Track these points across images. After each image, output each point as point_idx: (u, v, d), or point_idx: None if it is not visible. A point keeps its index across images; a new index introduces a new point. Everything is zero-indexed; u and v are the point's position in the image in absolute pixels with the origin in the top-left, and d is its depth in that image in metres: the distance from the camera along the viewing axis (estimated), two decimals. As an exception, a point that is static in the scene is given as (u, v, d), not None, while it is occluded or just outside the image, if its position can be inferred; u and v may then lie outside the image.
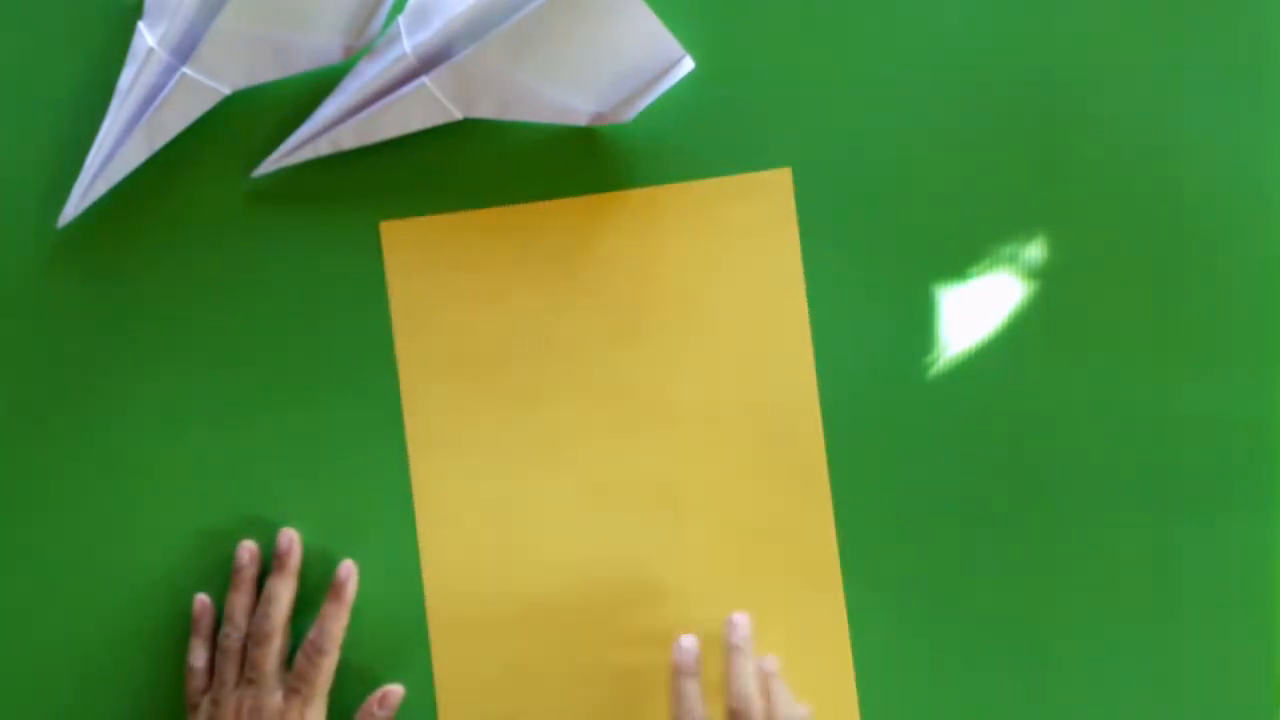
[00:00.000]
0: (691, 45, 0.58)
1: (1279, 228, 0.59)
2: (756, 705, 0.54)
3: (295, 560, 0.58)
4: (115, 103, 0.58)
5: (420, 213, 0.60)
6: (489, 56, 0.56)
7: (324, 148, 0.59)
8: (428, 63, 0.57)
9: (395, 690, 0.58)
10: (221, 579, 0.58)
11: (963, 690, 0.59)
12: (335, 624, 0.57)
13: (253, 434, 0.60)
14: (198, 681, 0.58)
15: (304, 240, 0.60)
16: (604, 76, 0.57)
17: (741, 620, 0.56)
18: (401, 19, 0.58)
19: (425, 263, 0.59)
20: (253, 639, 0.56)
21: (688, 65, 0.58)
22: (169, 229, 0.60)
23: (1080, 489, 0.59)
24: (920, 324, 0.59)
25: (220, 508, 0.60)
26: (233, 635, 0.57)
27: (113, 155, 0.58)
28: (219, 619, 0.59)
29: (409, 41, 0.57)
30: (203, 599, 0.59)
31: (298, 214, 0.60)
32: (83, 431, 0.60)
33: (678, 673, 0.55)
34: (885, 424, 0.59)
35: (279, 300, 0.60)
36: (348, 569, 0.58)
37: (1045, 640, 0.59)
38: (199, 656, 0.58)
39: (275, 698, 0.56)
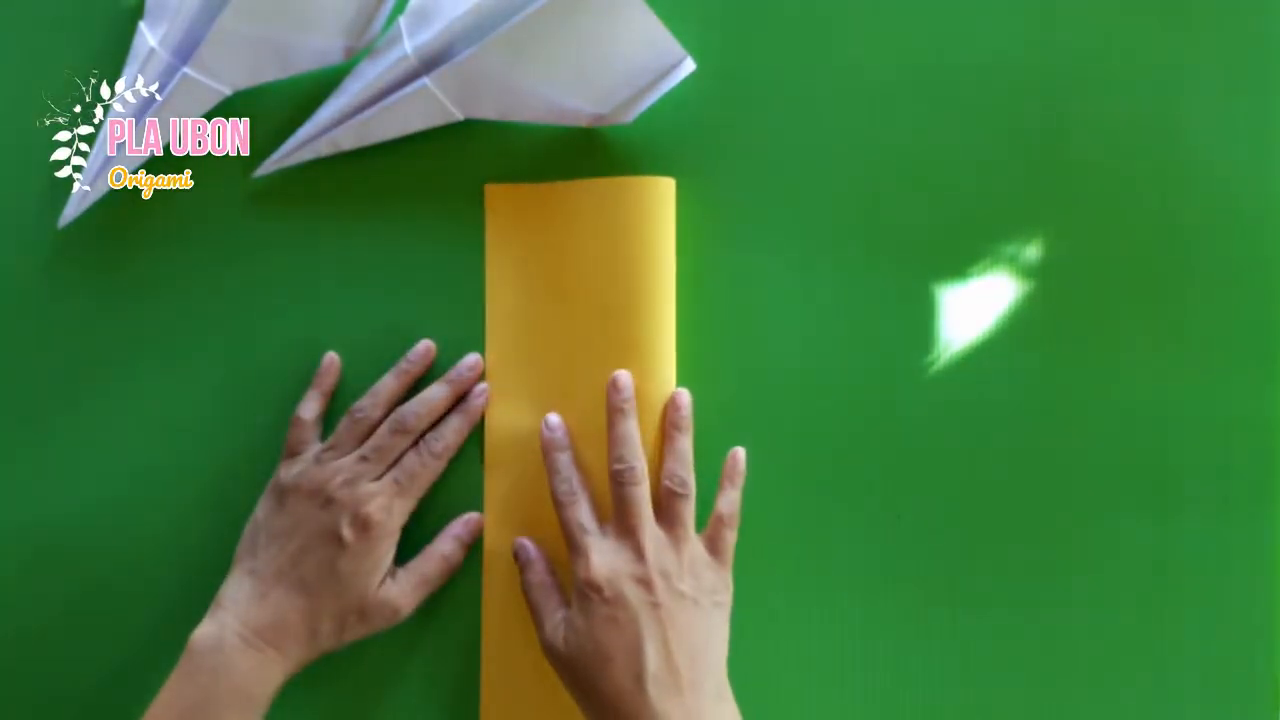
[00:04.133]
0: (692, 46, 0.58)
1: (1279, 228, 0.60)
2: (691, 485, 0.56)
3: (466, 383, 0.59)
4: (116, 103, 0.58)
5: (423, 214, 0.60)
6: (490, 57, 0.56)
7: (324, 148, 0.59)
8: (429, 63, 0.57)
9: (476, 516, 0.59)
10: (223, 572, 0.57)
11: (961, 688, 0.59)
12: (456, 435, 0.58)
13: (253, 434, 0.60)
14: (302, 433, 0.58)
15: (305, 241, 0.60)
16: (605, 78, 0.57)
17: (685, 400, 0.58)
18: (402, 20, 0.58)
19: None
20: (392, 426, 0.57)
21: (689, 66, 0.58)
22: (169, 229, 0.60)
23: (1080, 489, 0.59)
24: (920, 324, 0.60)
25: (220, 508, 0.60)
26: (368, 409, 0.58)
27: (114, 155, 0.58)
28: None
29: (410, 42, 0.57)
30: (333, 356, 0.60)
31: (298, 214, 0.60)
32: (83, 431, 0.60)
33: (550, 448, 0.57)
34: (885, 423, 0.59)
35: (279, 300, 0.60)
36: (480, 390, 0.59)
37: (1045, 639, 0.59)
38: (310, 409, 0.59)
39: (374, 484, 0.56)
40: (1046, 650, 0.59)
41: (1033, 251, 0.60)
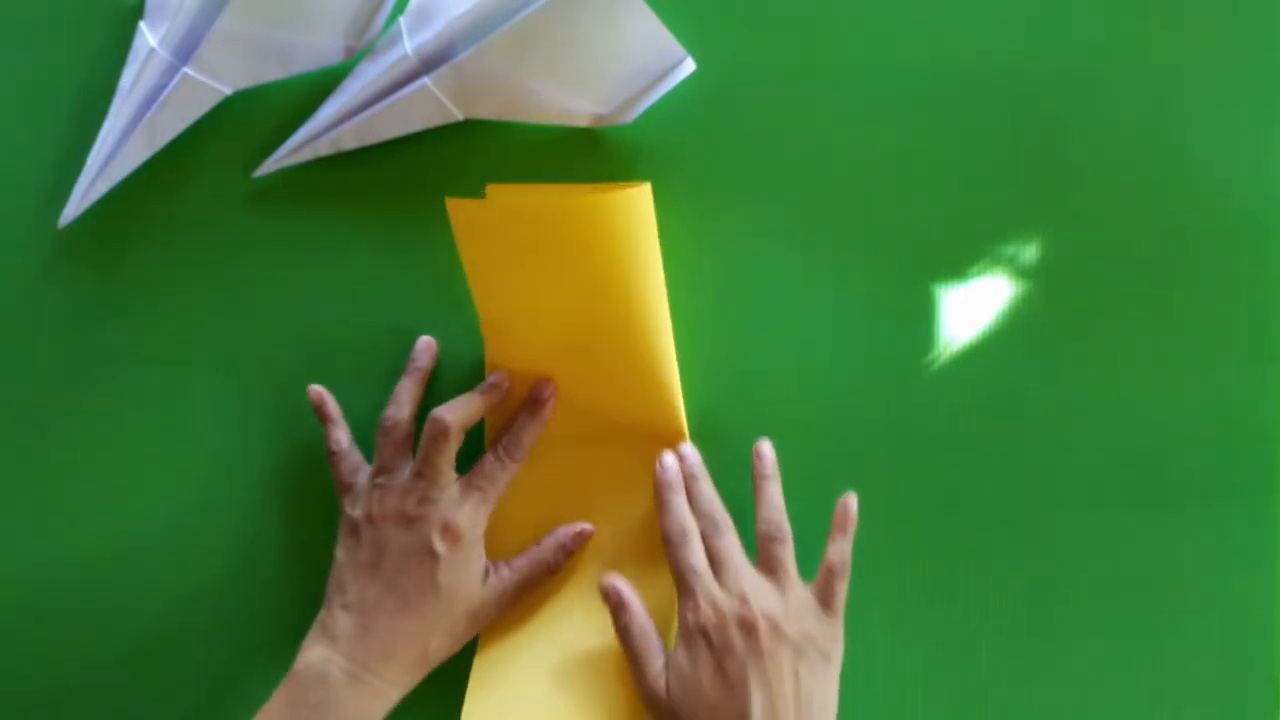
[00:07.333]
0: (692, 46, 0.58)
1: (1279, 228, 0.60)
2: (787, 530, 0.56)
3: (501, 389, 0.58)
4: (116, 103, 0.58)
5: (423, 213, 0.60)
6: (490, 57, 0.56)
7: (325, 148, 0.59)
8: (429, 63, 0.57)
9: (589, 528, 0.59)
10: (225, 573, 0.58)
11: (960, 687, 0.59)
12: (528, 435, 0.57)
13: (253, 433, 0.60)
14: (345, 463, 0.58)
15: (305, 241, 0.60)
16: (606, 78, 0.57)
17: (768, 450, 0.58)
18: (403, 19, 0.58)
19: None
20: (429, 435, 0.55)
21: (689, 66, 0.58)
22: (169, 229, 0.60)
23: (1080, 488, 0.59)
24: (920, 324, 0.60)
25: (218, 506, 0.60)
26: (394, 415, 0.57)
27: (114, 155, 0.58)
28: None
29: (410, 42, 0.57)
30: (315, 387, 0.59)
31: (298, 215, 0.60)
32: (83, 432, 0.60)
33: (663, 488, 0.57)
34: (885, 423, 0.59)
35: (279, 300, 0.60)
36: (550, 389, 0.58)
37: (1044, 639, 0.59)
38: (340, 440, 0.58)
39: (451, 490, 0.56)
40: (1046, 649, 0.59)
41: (1033, 251, 0.60)
